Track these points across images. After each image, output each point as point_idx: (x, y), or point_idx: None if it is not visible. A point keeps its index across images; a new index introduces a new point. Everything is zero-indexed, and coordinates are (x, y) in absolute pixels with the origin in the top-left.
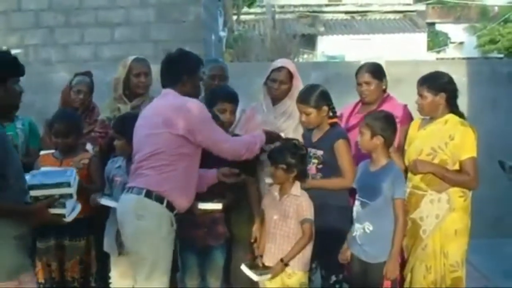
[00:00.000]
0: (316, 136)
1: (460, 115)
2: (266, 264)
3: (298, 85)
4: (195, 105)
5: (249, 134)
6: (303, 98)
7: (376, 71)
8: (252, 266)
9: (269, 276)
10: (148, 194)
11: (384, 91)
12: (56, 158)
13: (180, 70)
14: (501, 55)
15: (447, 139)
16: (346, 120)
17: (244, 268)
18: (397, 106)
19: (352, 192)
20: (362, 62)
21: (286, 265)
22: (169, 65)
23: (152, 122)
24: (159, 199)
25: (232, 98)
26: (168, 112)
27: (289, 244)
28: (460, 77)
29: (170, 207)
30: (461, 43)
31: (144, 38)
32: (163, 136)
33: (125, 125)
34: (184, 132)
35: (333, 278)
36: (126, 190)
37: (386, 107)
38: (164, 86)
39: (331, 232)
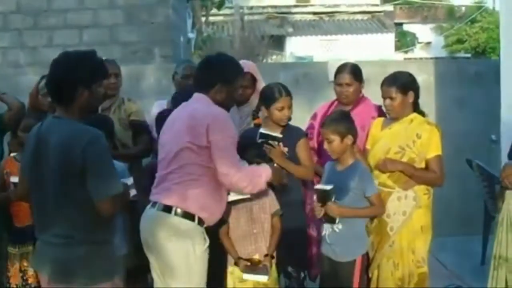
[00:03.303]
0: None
1: (422, 113)
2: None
3: (261, 87)
4: (221, 117)
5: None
6: (289, 92)
7: (357, 72)
8: (252, 269)
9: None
10: (179, 212)
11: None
12: (18, 162)
13: (215, 76)
14: (468, 55)
15: (414, 138)
16: (320, 120)
17: (248, 276)
18: (372, 107)
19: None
20: (330, 63)
21: (272, 257)
22: (205, 69)
23: (177, 129)
24: (189, 216)
25: None
26: (194, 121)
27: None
28: (428, 77)
29: (201, 222)
30: (429, 43)
31: (112, 40)
32: (188, 149)
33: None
34: (207, 143)
35: (302, 274)
36: (152, 205)
37: (361, 107)
38: (196, 89)
39: (293, 227)
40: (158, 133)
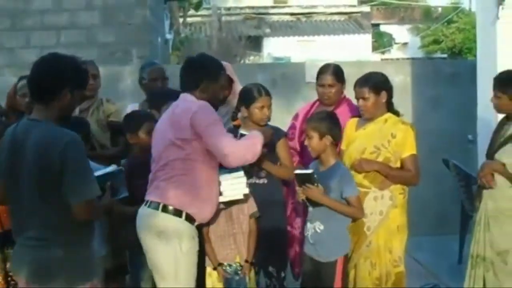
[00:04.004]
0: None
1: (396, 113)
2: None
3: (237, 88)
4: (202, 107)
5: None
6: (268, 92)
7: (340, 73)
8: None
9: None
10: (165, 209)
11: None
12: None
13: (200, 75)
14: (445, 55)
15: (389, 137)
16: (302, 120)
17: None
18: (353, 108)
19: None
20: (307, 63)
21: (252, 263)
22: (189, 70)
23: (164, 129)
24: (177, 213)
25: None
26: (177, 117)
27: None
28: (404, 77)
29: (190, 219)
30: (405, 43)
31: (90, 41)
32: (172, 145)
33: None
34: (193, 136)
35: (282, 274)
36: (144, 204)
37: (343, 108)
38: (182, 90)
39: (274, 227)
40: (125, 133)
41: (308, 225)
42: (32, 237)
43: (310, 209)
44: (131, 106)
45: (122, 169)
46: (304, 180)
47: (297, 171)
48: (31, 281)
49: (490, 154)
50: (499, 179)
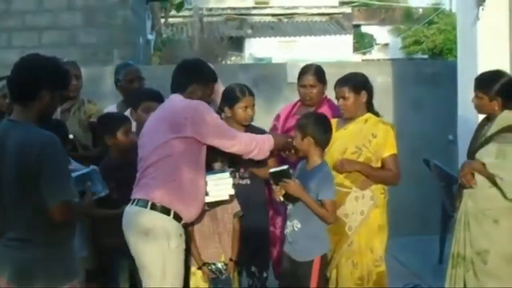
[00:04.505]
0: None
1: (376, 114)
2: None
3: (219, 89)
4: (199, 105)
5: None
6: (251, 92)
7: (321, 74)
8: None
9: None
10: (154, 207)
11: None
12: None
13: (190, 77)
14: (425, 56)
15: (370, 137)
16: (283, 121)
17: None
18: (335, 108)
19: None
20: (288, 64)
21: (235, 262)
22: (182, 71)
23: (156, 129)
24: (165, 210)
25: (156, 97)
26: (174, 115)
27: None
28: (386, 78)
29: (177, 217)
30: (386, 44)
31: (72, 41)
32: (167, 143)
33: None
34: (192, 133)
35: (264, 274)
36: (131, 202)
37: (324, 109)
38: (172, 90)
39: (256, 228)
40: (100, 134)
41: (287, 222)
42: (13, 238)
43: (290, 206)
44: (110, 108)
45: (96, 168)
46: (281, 176)
47: (272, 170)
48: (12, 281)
49: (471, 154)
50: (479, 178)
